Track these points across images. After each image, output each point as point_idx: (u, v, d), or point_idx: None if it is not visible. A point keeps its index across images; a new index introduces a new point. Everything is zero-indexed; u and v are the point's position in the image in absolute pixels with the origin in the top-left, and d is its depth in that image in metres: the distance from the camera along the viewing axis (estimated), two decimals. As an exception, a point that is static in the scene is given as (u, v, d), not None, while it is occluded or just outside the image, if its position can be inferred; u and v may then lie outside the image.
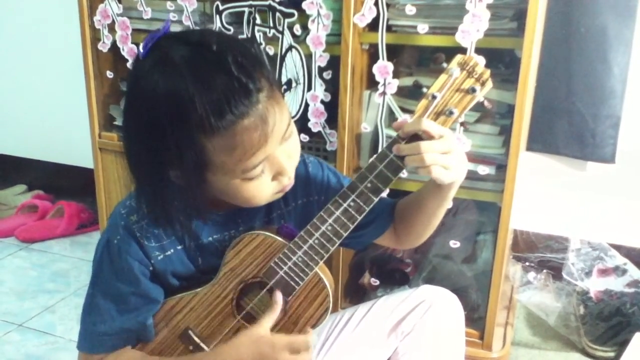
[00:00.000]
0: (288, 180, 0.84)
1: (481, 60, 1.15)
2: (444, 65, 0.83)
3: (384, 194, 1.34)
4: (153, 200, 0.84)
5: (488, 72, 0.82)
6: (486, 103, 0.87)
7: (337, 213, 0.85)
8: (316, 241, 0.85)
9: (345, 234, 0.86)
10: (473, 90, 0.81)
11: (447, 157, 0.81)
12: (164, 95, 0.73)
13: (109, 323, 0.89)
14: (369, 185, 0.84)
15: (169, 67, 0.74)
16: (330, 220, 0.85)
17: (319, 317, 0.89)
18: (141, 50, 0.78)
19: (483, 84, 0.81)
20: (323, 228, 0.85)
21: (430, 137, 0.81)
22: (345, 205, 0.85)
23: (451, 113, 0.82)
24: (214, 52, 0.74)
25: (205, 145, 0.75)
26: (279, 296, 0.88)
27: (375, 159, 0.84)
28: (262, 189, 0.82)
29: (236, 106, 0.72)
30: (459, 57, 0.82)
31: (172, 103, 0.73)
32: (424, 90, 0.83)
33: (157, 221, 0.87)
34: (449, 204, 0.94)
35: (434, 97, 0.82)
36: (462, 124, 0.86)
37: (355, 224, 0.85)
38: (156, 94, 0.74)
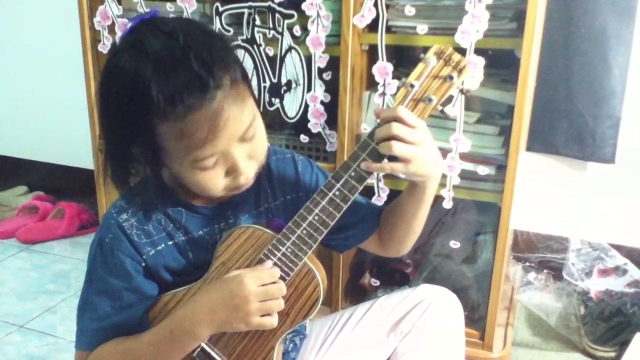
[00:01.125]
0: (244, 180, 0.85)
1: (480, 61, 1.16)
2: (422, 56, 0.85)
3: (385, 195, 1.35)
4: (117, 171, 0.87)
5: (465, 60, 0.83)
6: (464, 90, 0.89)
7: (323, 203, 0.86)
8: (304, 231, 0.87)
9: (332, 223, 0.87)
10: (450, 78, 0.83)
11: (417, 148, 0.82)
12: (126, 73, 0.78)
13: (104, 320, 0.89)
14: (352, 174, 0.85)
15: (137, 50, 0.78)
16: (316, 210, 0.86)
17: (310, 307, 0.90)
18: (126, 28, 0.83)
19: (460, 72, 0.83)
20: (310, 218, 0.87)
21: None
22: (330, 194, 0.86)
23: (430, 100, 0.84)
24: (179, 45, 0.77)
25: (156, 128, 0.79)
26: (268, 262, 0.88)
27: (358, 148, 0.86)
28: (213, 181, 0.84)
29: (188, 98, 0.75)
30: (435, 47, 0.84)
31: (132, 82, 0.77)
32: (404, 81, 0.85)
33: (131, 204, 0.90)
34: (428, 206, 0.94)
35: (412, 86, 0.84)
36: (442, 111, 0.87)
37: (342, 212, 0.86)
38: (121, 71, 0.79)
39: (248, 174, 0.85)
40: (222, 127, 0.78)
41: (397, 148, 0.81)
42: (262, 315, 0.85)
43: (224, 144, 0.80)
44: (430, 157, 0.85)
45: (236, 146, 0.82)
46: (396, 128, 0.81)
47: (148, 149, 0.82)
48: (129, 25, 0.83)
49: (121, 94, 0.79)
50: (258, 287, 0.84)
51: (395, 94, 1.28)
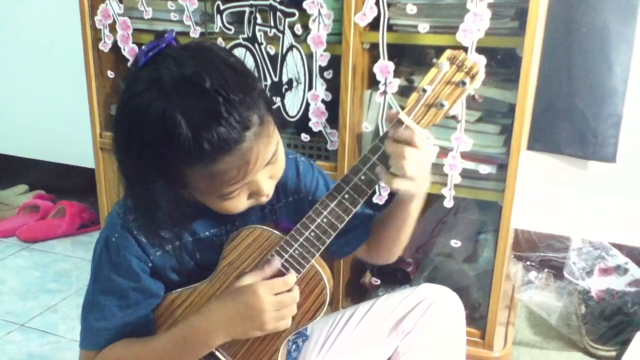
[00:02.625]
0: (265, 199, 0.87)
1: (482, 59, 1.16)
2: (435, 60, 0.85)
3: (386, 194, 1.35)
4: (138, 203, 0.86)
5: (477, 65, 0.83)
6: (477, 96, 0.88)
7: (332, 205, 0.86)
8: (312, 234, 0.87)
9: (341, 226, 0.87)
10: (463, 83, 0.83)
11: (421, 170, 0.84)
12: (152, 118, 0.75)
13: (110, 319, 0.89)
14: (362, 177, 0.85)
15: (161, 92, 0.75)
16: (325, 213, 0.87)
17: (317, 309, 0.90)
18: (142, 57, 0.79)
19: (473, 77, 0.83)
20: (318, 220, 0.87)
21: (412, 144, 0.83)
22: (339, 197, 0.86)
23: (442, 105, 0.84)
24: (206, 89, 0.74)
25: (186, 172, 0.78)
26: (276, 261, 0.88)
27: (369, 152, 0.86)
28: (238, 205, 0.85)
29: (220, 144, 0.75)
30: (448, 52, 0.84)
31: (159, 128, 0.75)
32: (415, 85, 0.85)
33: (144, 228, 0.88)
34: (414, 219, 0.97)
35: (424, 91, 0.84)
36: (453, 117, 0.87)
37: (350, 215, 0.87)
38: (146, 114, 0.76)
39: (269, 192, 0.86)
40: (252, 165, 0.79)
41: (409, 167, 0.82)
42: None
43: (251, 177, 0.81)
44: (426, 177, 0.88)
45: (260, 172, 0.82)
46: (409, 153, 0.82)
47: (173, 187, 0.82)
48: (144, 51, 0.79)
49: (147, 137, 0.76)
50: (272, 296, 0.84)
51: (396, 93, 1.27)
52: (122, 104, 0.80)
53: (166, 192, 0.83)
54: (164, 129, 0.74)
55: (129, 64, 1.49)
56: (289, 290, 0.86)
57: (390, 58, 1.25)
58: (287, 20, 1.33)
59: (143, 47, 0.80)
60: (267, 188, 0.85)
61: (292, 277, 0.87)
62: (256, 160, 0.79)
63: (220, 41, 1.42)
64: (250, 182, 0.82)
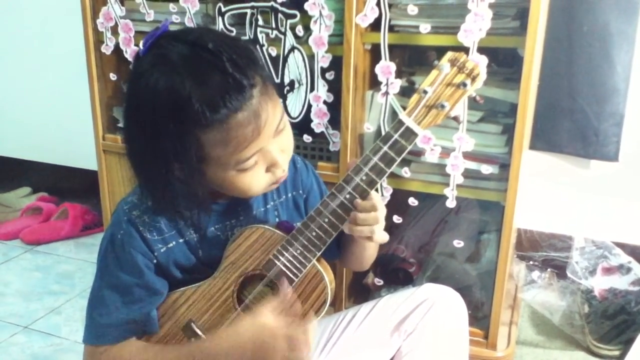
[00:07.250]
0: (282, 173, 0.88)
1: (483, 60, 1.16)
2: (436, 62, 0.86)
3: (388, 195, 1.35)
4: (158, 194, 0.87)
5: (478, 67, 0.84)
6: (477, 98, 0.89)
7: (334, 205, 0.87)
8: (313, 233, 0.88)
9: (341, 226, 0.88)
10: (464, 85, 0.84)
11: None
12: (162, 92, 0.77)
13: (114, 314, 0.90)
14: (364, 177, 0.86)
15: (167, 66, 0.78)
16: (326, 213, 0.87)
17: (318, 309, 0.90)
18: (141, 47, 0.82)
19: (474, 79, 0.84)
20: (320, 220, 0.87)
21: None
22: (341, 197, 0.87)
23: (443, 107, 0.85)
24: (209, 51, 0.78)
25: (201, 139, 0.79)
26: (285, 284, 0.88)
27: (370, 152, 0.87)
28: (257, 180, 0.86)
29: (230, 101, 0.77)
30: (449, 54, 0.85)
31: (170, 99, 0.77)
32: (417, 87, 0.86)
33: (163, 214, 0.89)
34: (374, 250, 1.04)
35: (425, 92, 0.85)
36: (454, 118, 0.88)
37: (350, 216, 0.88)
38: (155, 91, 0.78)
39: (285, 166, 0.87)
40: (263, 124, 0.80)
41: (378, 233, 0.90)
42: None
43: (264, 141, 0.82)
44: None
45: (272, 142, 0.84)
46: (377, 227, 0.89)
47: (190, 164, 0.81)
48: (144, 42, 0.82)
49: (159, 114, 0.78)
50: (287, 345, 0.83)
51: (397, 93, 1.28)
52: (130, 85, 0.83)
53: (181, 179, 0.84)
54: (175, 96, 0.76)
55: (131, 66, 1.51)
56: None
57: (391, 59, 1.26)
58: (289, 21, 1.33)
59: (141, 41, 0.83)
60: (282, 160, 0.86)
61: (312, 331, 0.84)
62: (266, 120, 0.80)
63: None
64: (264, 152, 0.83)
